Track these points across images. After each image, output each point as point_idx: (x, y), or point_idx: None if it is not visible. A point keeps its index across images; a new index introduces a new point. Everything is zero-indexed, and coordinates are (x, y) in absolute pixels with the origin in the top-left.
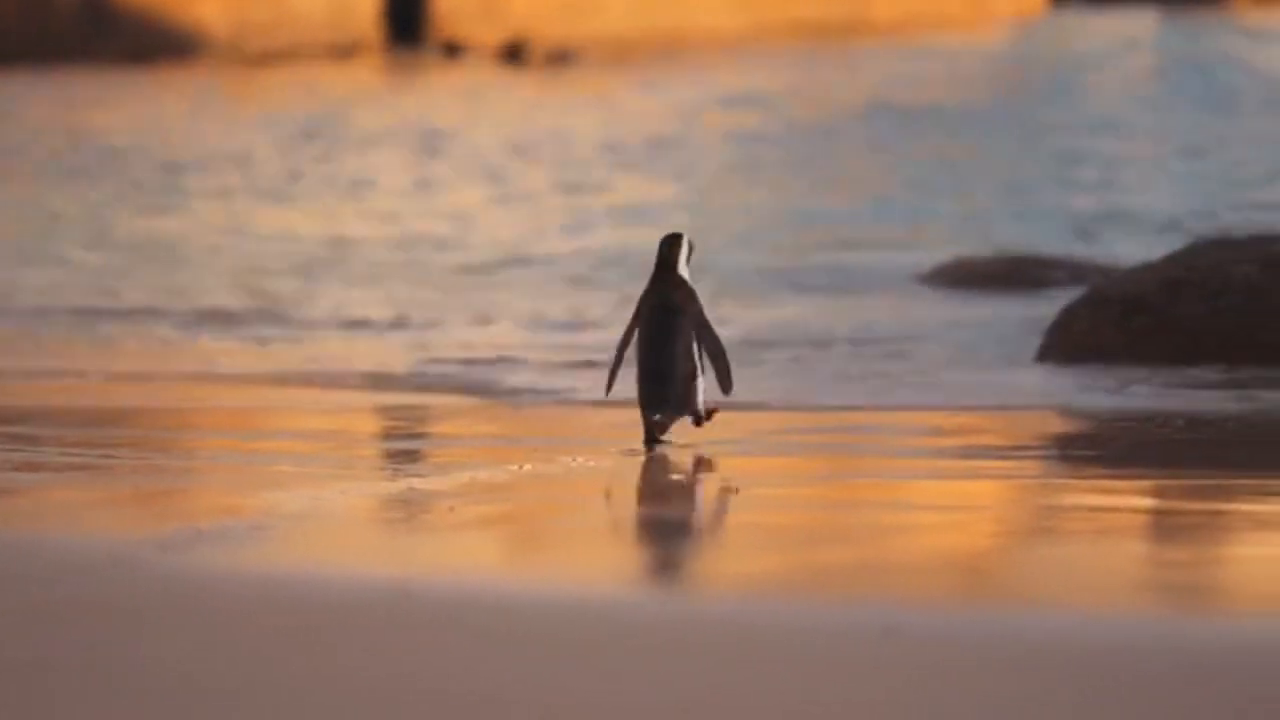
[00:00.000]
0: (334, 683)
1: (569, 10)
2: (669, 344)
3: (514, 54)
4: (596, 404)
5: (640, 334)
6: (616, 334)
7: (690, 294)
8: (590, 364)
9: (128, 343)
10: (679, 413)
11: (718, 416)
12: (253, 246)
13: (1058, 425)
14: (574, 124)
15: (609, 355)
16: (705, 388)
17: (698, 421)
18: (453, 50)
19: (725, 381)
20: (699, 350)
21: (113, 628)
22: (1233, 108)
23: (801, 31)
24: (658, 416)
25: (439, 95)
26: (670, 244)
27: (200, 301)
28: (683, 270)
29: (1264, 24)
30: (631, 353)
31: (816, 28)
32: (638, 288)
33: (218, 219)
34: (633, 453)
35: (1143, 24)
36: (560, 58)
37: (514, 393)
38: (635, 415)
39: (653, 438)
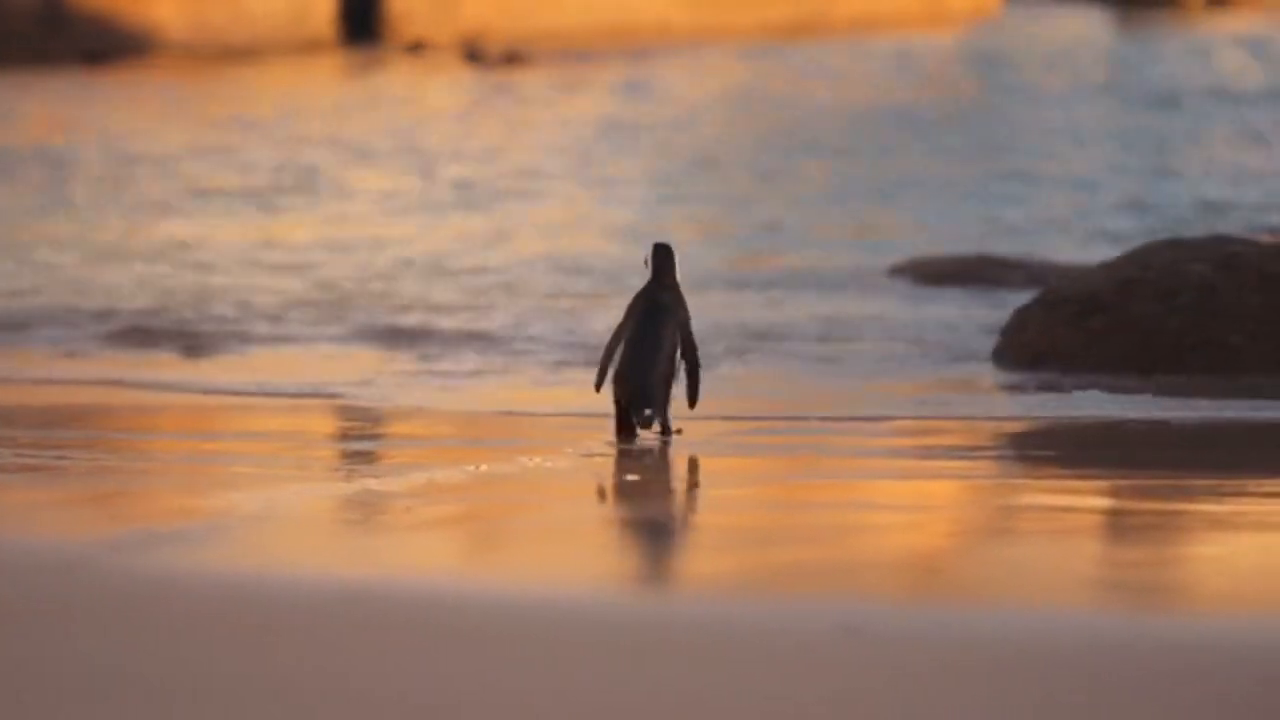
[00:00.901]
0: (292, 683)
1: (524, 8)
2: (655, 344)
3: (474, 55)
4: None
5: (630, 333)
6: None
7: (680, 300)
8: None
9: (64, 353)
10: (656, 411)
11: (680, 432)
12: (200, 253)
13: (1014, 426)
14: (524, 126)
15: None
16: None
17: (665, 431)
18: (416, 49)
19: (694, 395)
20: (679, 356)
21: (68, 629)
22: (1184, 109)
23: (758, 30)
24: (647, 412)
25: (391, 100)
26: (664, 251)
27: (140, 309)
28: (676, 277)
29: (1216, 27)
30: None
31: (773, 26)
32: (574, 295)
33: (166, 225)
34: (589, 454)
35: (1096, 24)
36: (514, 58)
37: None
38: (593, 419)
39: (628, 430)
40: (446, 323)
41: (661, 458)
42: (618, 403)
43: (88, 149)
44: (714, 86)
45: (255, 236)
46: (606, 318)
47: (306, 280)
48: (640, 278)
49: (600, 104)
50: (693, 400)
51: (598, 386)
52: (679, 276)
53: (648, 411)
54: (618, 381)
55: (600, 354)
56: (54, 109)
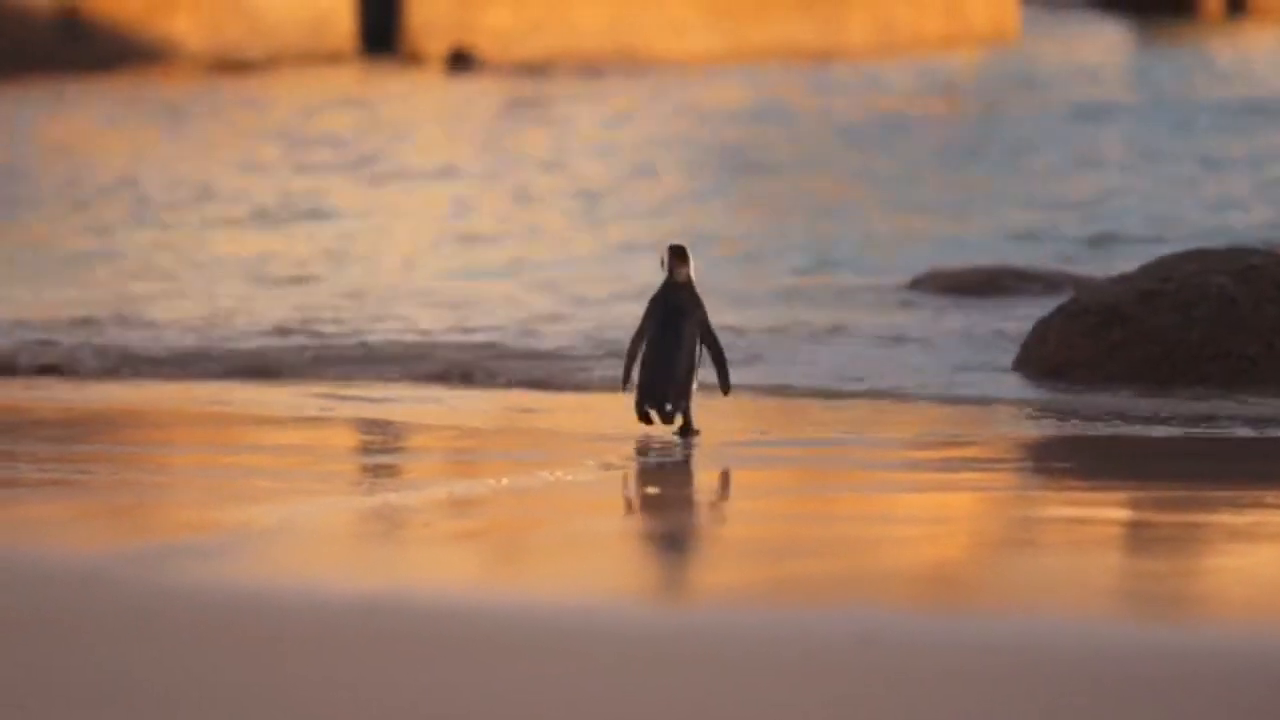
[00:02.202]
0: (304, 694)
1: (544, 23)
2: (676, 342)
3: (460, 60)
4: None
5: (650, 333)
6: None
7: (696, 299)
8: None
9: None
10: (677, 407)
11: (699, 433)
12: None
13: (1033, 437)
14: (525, 140)
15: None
16: (699, 389)
17: (688, 429)
18: (416, 60)
19: (725, 382)
20: (700, 352)
21: (82, 641)
22: (1205, 125)
23: (776, 53)
24: (668, 408)
25: (391, 112)
26: (679, 252)
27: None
28: (691, 276)
29: (1237, 39)
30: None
31: (791, 49)
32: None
33: (173, 239)
34: (609, 467)
35: (1115, 39)
36: (522, 70)
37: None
38: (613, 428)
39: (646, 420)
40: (462, 336)
41: (681, 470)
42: (639, 403)
43: (91, 163)
44: (730, 104)
45: (254, 252)
46: (624, 330)
47: (311, 296)
48: (658, 279)
49: (610, 117)
50: (725, 387)
51: (625, 386)
52: (693, 275)
53: (669, 407)
54: (641, 379)
55: (624, 357)
56: (61, 122)
